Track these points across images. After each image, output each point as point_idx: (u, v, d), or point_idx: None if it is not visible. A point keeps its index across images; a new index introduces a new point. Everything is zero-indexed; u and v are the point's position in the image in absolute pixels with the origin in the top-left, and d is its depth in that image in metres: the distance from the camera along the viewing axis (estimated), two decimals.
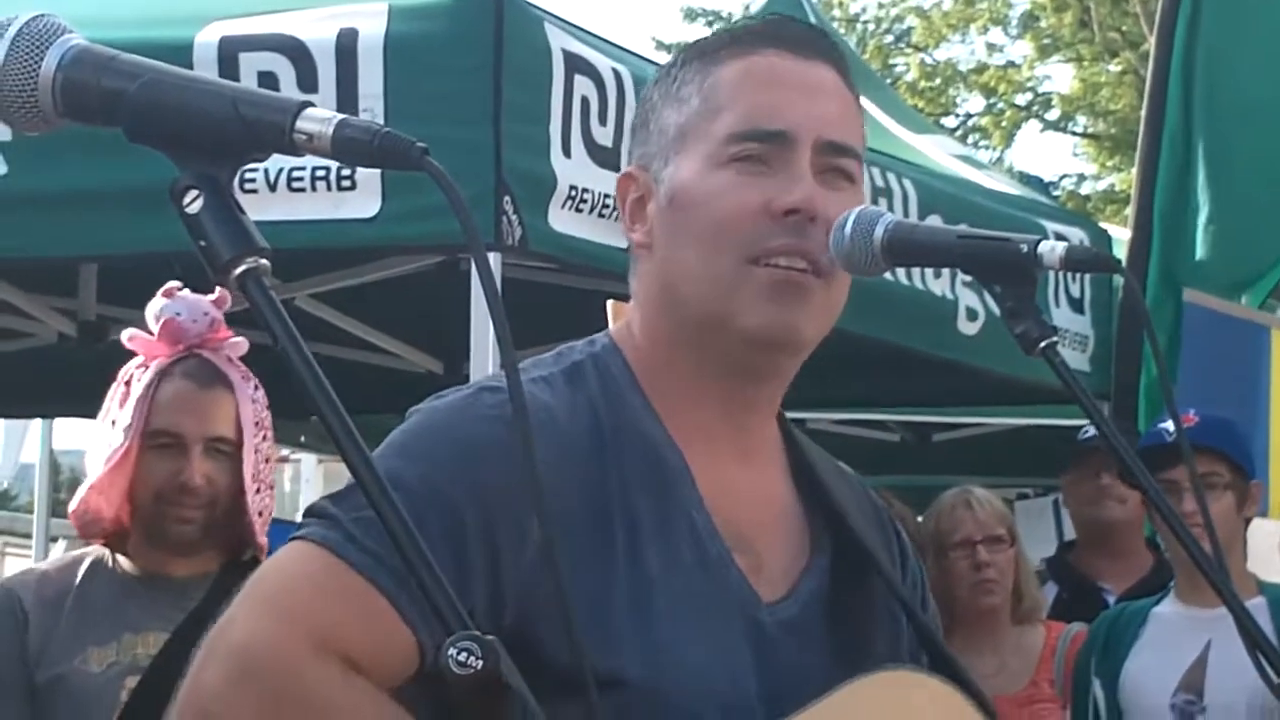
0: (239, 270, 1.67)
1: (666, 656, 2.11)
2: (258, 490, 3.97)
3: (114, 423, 3.96)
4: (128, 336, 4.04)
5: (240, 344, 4.01)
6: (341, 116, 1.67)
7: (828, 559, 2.31)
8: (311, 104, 1.69)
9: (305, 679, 2.01)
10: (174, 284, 4.01)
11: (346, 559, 2.03)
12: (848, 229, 2.27)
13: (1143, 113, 7.42)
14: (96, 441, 4.00)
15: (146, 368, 3.98)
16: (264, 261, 1.68)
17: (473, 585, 2.05)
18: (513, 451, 2.03)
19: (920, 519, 6.14)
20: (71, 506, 3.99)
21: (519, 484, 1.99)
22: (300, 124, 1.68)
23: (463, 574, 2.03)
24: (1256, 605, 4.92)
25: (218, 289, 3.96)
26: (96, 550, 4.03)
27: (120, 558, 4.00)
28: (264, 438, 4.01)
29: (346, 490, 2.05)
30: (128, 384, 3.99)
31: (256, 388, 4.00)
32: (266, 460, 4.03)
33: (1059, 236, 6.37)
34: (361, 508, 1.96)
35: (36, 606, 3.92)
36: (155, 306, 4.01)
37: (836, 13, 28.90)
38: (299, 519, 2.20)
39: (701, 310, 2.24)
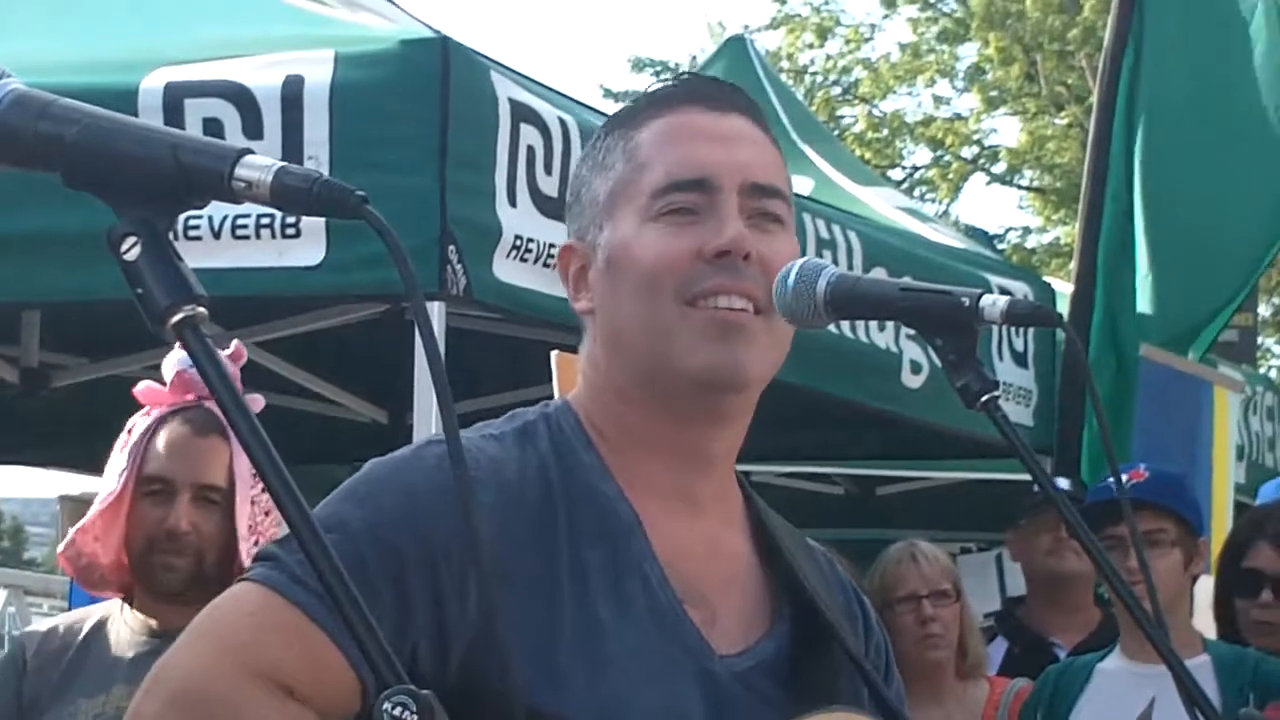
0: (176, 318, 1.66)
1: (616, 702, 2.12)
2: (255, 542, 3.87)
3: (112, 468, 3.94)
4: (140, 390, 4.00)
5: (256, 400, 3.78)
6: (281, 164, 1.66)
7: (788, 625, 2.32)
8: (251, 151, 1.68)
9: (242, 709, 2.03)
10: None
11: (289, 597, 2.06)
12: (790, 281, 2.27)
13: (1085, 166, 7.44)
14: (101, 487, 3.98)
15: (151, 415, 3.96)
16: (201, 309, 1.67)
17: (415, 624, 2.08)
18: (455, 499, 2.04)
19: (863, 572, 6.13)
20: (59, 548, 3.97)
21: (462, 531, 2.03)
22: (239, 171, 1.67)
23: (405, 612, 2.07)
24: (1200, 663, 4.91)
25: (233, 343, 3.94)
26: (111, 604, 4.02)
27: (129, 611, 3.98)
28: (262, 489, 3.92)
29: (290, 535, 2.05)
30: (129, 431, 3.96)
31: None
32: (267, 513, 3.95)
33: (1003, 290, 6.39)
34: None
35: (36, 657, 3.92)
36: (172, 359, 3.95)
37: (785, 64, 28.99)
38: None
39: (646, 357, 2.26)
